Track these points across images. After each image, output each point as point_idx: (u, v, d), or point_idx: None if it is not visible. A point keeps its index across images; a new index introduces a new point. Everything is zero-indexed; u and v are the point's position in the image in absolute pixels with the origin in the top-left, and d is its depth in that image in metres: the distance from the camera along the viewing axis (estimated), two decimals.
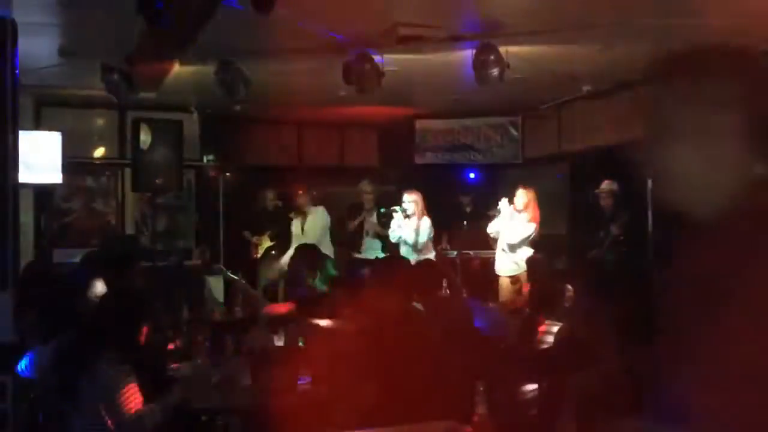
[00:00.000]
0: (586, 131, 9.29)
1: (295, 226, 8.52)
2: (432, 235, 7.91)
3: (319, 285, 5.36)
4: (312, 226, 8.40)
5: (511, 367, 4.07)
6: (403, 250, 7.71)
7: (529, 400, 4.11)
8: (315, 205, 8.59)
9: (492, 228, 7.83)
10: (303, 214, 8.50)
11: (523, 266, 7.63)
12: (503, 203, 7.76)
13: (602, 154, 8.94)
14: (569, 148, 9.68)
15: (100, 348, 3.15)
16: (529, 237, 7.73)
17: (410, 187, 8.17)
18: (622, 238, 7.62)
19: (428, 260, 7.22)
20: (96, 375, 3.06)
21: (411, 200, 7.81)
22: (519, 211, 7.78)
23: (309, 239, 7.91)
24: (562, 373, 3.84)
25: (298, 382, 3.83)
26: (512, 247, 7.74)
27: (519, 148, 10.55)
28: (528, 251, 7.70)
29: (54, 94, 8.60)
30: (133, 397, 3.05)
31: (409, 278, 5.37)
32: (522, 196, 7.83)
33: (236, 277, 6.43)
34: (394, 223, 7.85)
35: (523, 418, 3.94)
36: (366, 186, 8.83)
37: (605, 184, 8.03)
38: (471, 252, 8.12)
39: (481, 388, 3.09)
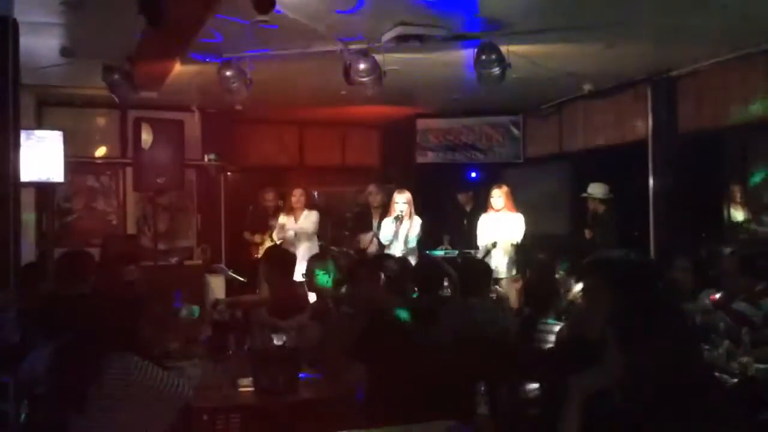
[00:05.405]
0: (588, 131, 9.28)
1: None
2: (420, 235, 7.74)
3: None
4: (302, 226, 8.38)
5: (511, 367, 4.06)
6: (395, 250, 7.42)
7: (530, 400, 4.11)
8: (310, 208, 8.53)
9: (485, 243, 7.76)
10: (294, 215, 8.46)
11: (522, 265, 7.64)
12: (483, 247, 7.70)
13: (603, 153, 8.93)
14: (570, 148, 9.67)
15: (104, 349, 3.10)
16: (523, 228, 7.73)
17: (405, 186, 8.03)
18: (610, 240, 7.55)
19: (431, 260, 7.21)
20: (109, 376, 2.99)
21: (405, 200, 7.60)
22: (498, 210, 7.78)
23: (301, 240, 8.19)
24: (563, 373, 3.84)
25: (299, 382, 3.83)
26: (515, 245, 7.72)
27: (520, 148, 10.55)
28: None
29: (55, 94, 8.61)
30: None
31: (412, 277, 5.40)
32: (499, 195, 7.81)
33: (238, 277, 6.43)
34: (388, 227, 7.57)
35: (524, 418, 3.94)
36: (373, 189, 8.47)
37: (591, 188, 8.00)
38: (471, 251, 8.10)
39: (482, 388, 3.10)
